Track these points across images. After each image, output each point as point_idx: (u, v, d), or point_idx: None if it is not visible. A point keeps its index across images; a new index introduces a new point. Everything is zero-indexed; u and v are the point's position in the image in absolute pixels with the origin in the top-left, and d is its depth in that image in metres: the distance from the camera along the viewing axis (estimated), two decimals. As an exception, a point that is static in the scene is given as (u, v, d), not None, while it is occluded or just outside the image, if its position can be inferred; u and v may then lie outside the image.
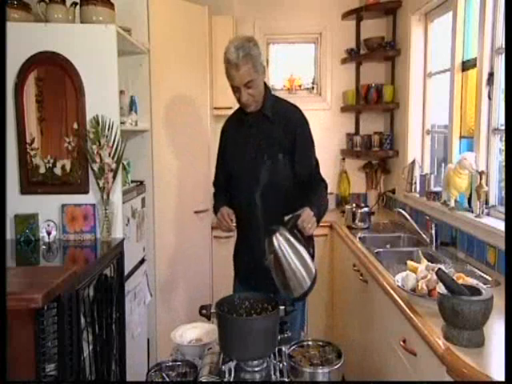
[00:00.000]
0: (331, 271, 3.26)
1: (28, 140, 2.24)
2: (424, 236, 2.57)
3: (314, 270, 1.64)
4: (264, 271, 1.87)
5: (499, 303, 1.41)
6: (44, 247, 2.20)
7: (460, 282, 1.48)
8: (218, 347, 1.59)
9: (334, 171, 3.82)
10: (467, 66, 2.52)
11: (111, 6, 2.34)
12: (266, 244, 1.60)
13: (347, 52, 3.69)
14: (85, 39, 2.25)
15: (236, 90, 1.88)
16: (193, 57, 3.17)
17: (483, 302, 1.32)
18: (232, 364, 1.46)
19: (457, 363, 1.28)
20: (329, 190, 3.69)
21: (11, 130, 2.22)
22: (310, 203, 1.80)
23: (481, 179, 2.16)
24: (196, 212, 3.13)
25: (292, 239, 1.61)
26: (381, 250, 2.54)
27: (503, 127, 2.15)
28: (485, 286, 1.49)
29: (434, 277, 1.60)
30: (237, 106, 2.05)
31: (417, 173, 3.06)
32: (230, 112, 2.19)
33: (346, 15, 3.66)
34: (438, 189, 2.78)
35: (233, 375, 1.43)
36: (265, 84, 1.97)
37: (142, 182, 2.87)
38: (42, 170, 2.27)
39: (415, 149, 3.23)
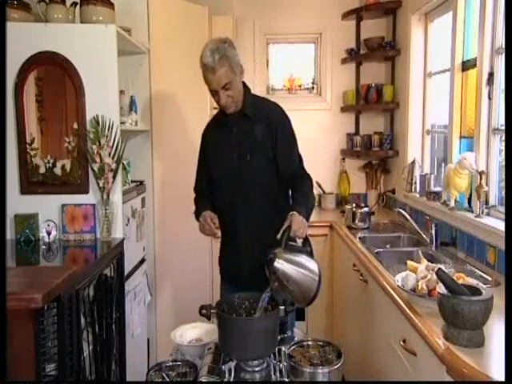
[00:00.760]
0: (331, 271, 3.26)
1: (28, 140, 2.24)
2: (424, 236, 2.57)
3: (317, 271, 1.62)
4: (252, 273, 1.87)
5: (499, 303, 1.41)
6: (44, 247, 2.20)
7: (460, 282, 1.48)
8: (218, 347, 1.59)
9: (334, 171, 3.83)
10: (467, 65, 2.52)
11: (111, 5, 2.34)
12: (267, 273, 1.58)
13: (347, 52, 3.69)
14: (85, 39, 2.25)
15: (214, 93, 1.85)
16: (193, 57, 3.15)
17: (483, 302, 1.32)
18: (232, 364, 1.46)
19: (457, 363, 1.28)
20: (329, 190, 3.78)
21: (11, 130, 2.22)
22: (297, 203, 1.80)
23: (481, 179, 2.16)
24: (196, 212, 3.13)
25: (291, 256, 1.60)
26: (381, 250, 2.54)
27: (503, 127, 2.15)
28: (485, 286, 1.49)
29: (434, 277, 1.60)
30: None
31: (417, 173, 3.06)
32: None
33: (345, 15, 3.66)
34: (438, 189, 2.77)
35: (233, 375, 1.43)
36: (244, 84, 1.95)
37: (141, 182, 2.87)
38: (42, 170, 2.27)
39: (415, 149, 3.23)
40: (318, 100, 3.84)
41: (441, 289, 1.39)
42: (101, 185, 2.24)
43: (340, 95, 3.81)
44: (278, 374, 1.47)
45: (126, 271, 2.40)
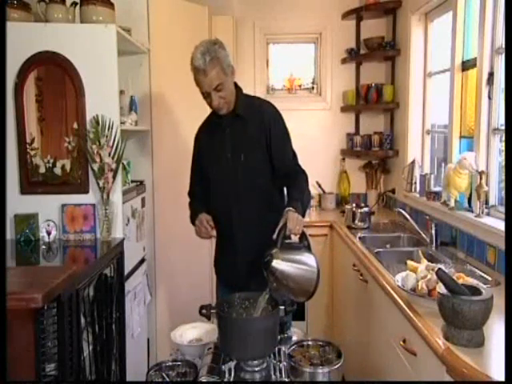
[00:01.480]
0: (331, 271, 3.26)
1: (28, 140, 2.24)
2: (424, 236, 2.57)
3: (315, 264, 1.61)
4: (248, 273, 1.87)
5: (499, 303, 1.41)
6: (44, 247, 2.20)
7: (460, 281, 1.48)
8: (218, 347, 1.59)
9: (334, 171, 3.83)
10: (467, 65, 2.52)
11: (111, 5, 2.34)
12: (265, 274, 1.59)
13: (347, 52, 3.69)
14: (85, 39, 2.25)
15: (206, 95, 1.85)
16: (193, 57, 3.16)
17: (483, 302, 1.32)
18: (232, 364, 1.46)
19: (457, 363, 1.28)
20: (329, 190, 3.78)
21: (11, 130, 2.22)
22: (293, 199, 1.81)
23: (481, 179, 2.16)
24: (196, 212, 3.13)
25: (288, 254, 1.60)
26: (381, 249, 2.54)
27: (503, 127, 2.15)
28: (485, 286, 1.49)
29: (434, 277, 1.60)
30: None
31: (417, 173, 3.06)
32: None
33: (345, 15, 3.66)
34: (438, 189, 2.77)
35: (233, 375, 1.44)
36: (235, 84, 1.95)
37: (141, 182, 2.87)
38: (42, 170, 2.27)
39: (415, 149, 3.23)
40: (317, 100, 3.84)
41: (441, 289, 1.39)
42: (101, 185, 2.24)
43: (340, 95, 3.81)
44: (277, 373, 1.47)
45: (126, 271, 2.40)
